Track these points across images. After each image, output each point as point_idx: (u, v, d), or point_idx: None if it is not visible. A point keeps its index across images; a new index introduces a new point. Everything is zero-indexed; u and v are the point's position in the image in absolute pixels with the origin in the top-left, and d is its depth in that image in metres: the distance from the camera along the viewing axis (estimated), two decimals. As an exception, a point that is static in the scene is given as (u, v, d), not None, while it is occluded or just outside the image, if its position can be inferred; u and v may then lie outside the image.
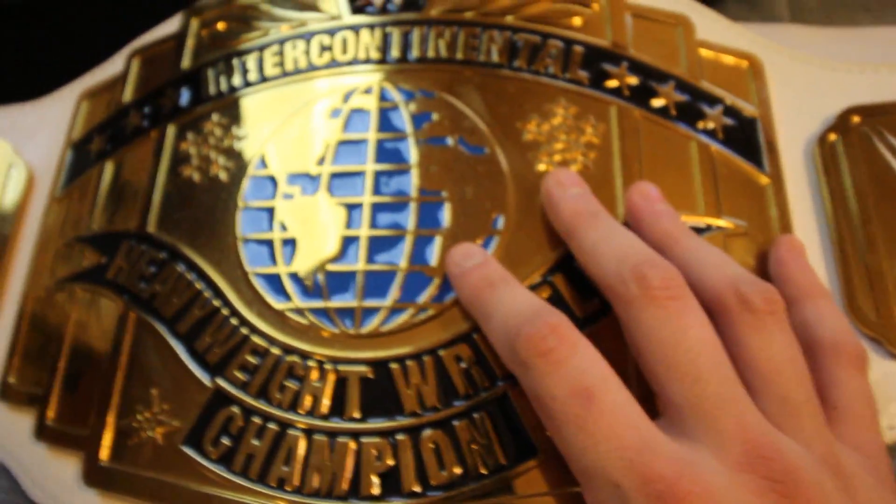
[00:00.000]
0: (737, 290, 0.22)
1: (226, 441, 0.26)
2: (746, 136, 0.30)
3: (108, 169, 0.33)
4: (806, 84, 0.32)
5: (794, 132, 0.31)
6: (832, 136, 0.30)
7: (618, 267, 0.22)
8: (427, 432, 0.25)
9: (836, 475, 0.20)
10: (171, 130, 0.32)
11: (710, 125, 0.30)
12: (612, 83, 0.30)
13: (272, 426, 0.26)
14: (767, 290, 0.22)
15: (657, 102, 0.30)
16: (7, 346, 0.31)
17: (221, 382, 0.27)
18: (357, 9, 0.33)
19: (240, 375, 0.27)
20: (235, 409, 0.26)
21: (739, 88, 0.31)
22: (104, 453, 0.27)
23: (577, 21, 0.32)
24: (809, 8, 0.35)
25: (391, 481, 0.25)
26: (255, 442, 0.26)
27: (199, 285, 0.29)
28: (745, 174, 0.29)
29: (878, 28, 0.34)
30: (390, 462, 0.25)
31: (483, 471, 0.24)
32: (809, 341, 0.24)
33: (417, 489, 0.24)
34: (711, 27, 0.32)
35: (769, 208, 0.28)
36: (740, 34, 0.32)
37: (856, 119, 0.30)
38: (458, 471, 0.24)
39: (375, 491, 0.24)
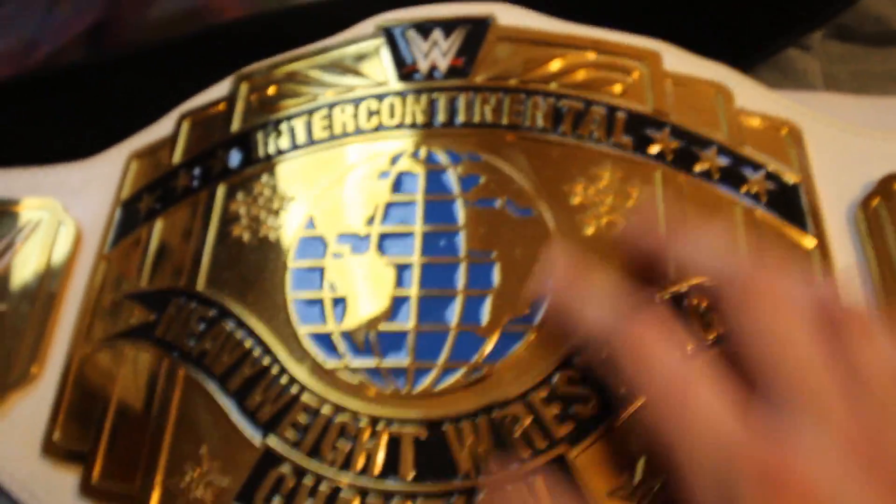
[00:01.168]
0: (833, 305, 0.22)
1: (277, 502, 0.26)
2: (790, 201, 0.30)
3: (158, 227, 0.33)
4: (843, 151, 0.32)
5: (834, 198, 0.31)
6: (875, 201, 0.30)
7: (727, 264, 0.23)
8: (482, 495, 0.25)
9: None
10: (220, 191, 0.33)
11: (754, 189, 0.30)
12: (656, 148, 0.31)
13: (324, 487, 0.26)
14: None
15: (700, 167, 0.31)
16: (52, 403, 0.31)
17: (272, 441, 0.27)
18: (404, 76, 0.34)
19: (291, 434, 0.27)
20: (286, 469, 0.26)
21: (779, 155, 0.31)
22: (151, 514, 0.26)
23: (617, 88, 0.33)
24: (841, 78, 0.36)
25: (446, 545, 0.24)
26: (308, 502, 0.25)
27: (248, 343, 0.29)
28: (790, 239, 0.29)
29: (909, 97, 0.35)
30: (445, 526, 0.24)
31: (540, 536, 0.24)
32: None
33: (473, 554, 0.24)
34: (749, 94, 0.33)
35: (815, 273, 0.29)
36: (777, 101, 0.33)
37: (897, 184, 0.30)
38: (514, 536, 0.24)
39: (430, 556, 0.24)
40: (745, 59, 0.35)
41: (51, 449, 0.30)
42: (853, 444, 0.19)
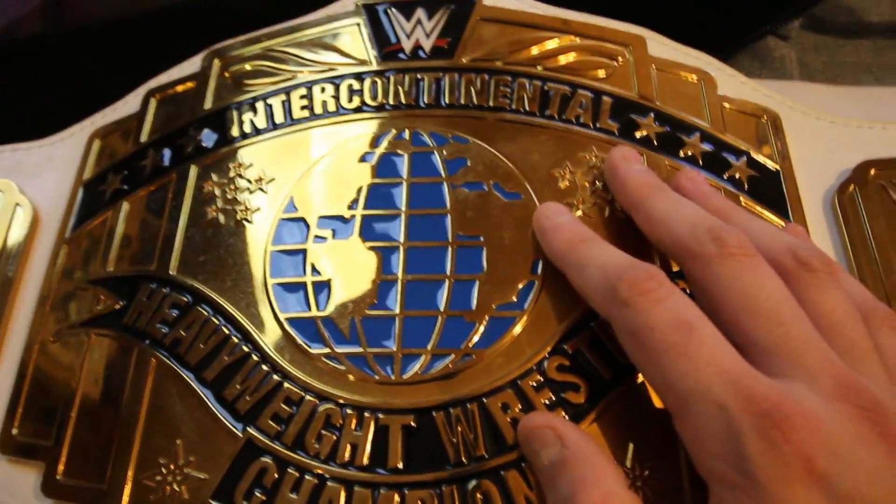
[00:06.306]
0: (795, 254, 0.24)
1: (260, 494, 0.24)
2: (771, 188, 0.30)
3: (124, 209, 0.32)
4: (820, 139, 0.33)
5: (811, 185, 0.31)
6: (850, 188, 0.31)
7: (693, 230, 0.24)
8: (474, 483, 0.24)
9: None
10: (193, 171, 0.32)
11: (737, 175, 0.30)
12: (641, 133, 0.31)
13: (310, 478, 0.25)
14: (822, 253, 0.24)
15: (685, 152, 0.30)
16: (9, 396, 0.29)
17: (253, 432, 0.25)
18: (386, 55, 0.33)
19: (273, 424, 0.26)
20: (269, 460, 0.25)
21: (759, 142, 0.32)
22: (124, 510, 0.25)
23: (602, 73, 0.32)
24: (815, 67, 0.36)
25: (437, 536, 0.24)
26: (293, 495, 0.24)
27: (226, 330, 0.28)
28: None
29: (881, 88, 0.35)
30: (436, 515, 0.24)
31: (534, 524, 0.23)
32: None
33: (465, 544, 0.23)
34: (730, 82, 0.33)
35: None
36: (756, 90, 0.33)
37: (873, 172, 0.31)
38: (507, 524, 0.23)
39: (421, 546, 0.23)
40: (725, 47, 0.35)
41: (9, 445, 0.28)
42: (836, 383, 0.20)
